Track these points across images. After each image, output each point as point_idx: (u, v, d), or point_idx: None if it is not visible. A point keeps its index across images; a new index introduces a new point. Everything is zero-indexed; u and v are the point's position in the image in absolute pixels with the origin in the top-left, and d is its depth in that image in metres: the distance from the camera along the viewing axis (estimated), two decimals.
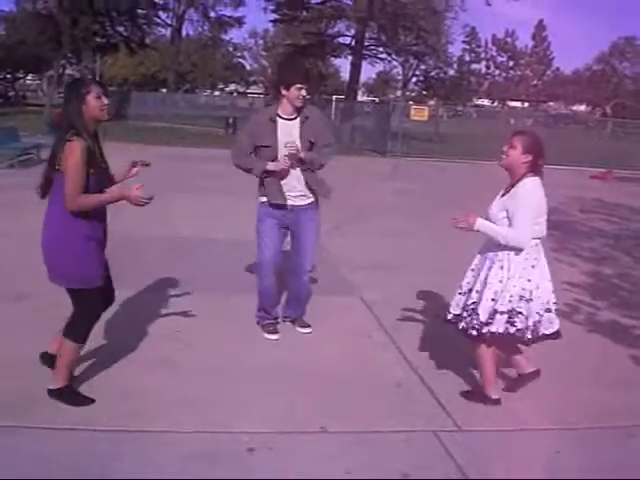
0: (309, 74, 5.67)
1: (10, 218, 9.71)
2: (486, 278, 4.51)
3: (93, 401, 4.35)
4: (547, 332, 4.56)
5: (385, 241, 10.00)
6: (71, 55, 38.93)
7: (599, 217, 13.89)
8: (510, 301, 4.42)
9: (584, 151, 26.14)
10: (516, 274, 4.42)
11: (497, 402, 4.70)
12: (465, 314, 4.62)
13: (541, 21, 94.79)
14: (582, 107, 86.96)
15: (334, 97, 45.84)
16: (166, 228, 9.69)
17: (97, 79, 33.44)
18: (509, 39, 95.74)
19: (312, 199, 5.67)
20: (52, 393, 4.32)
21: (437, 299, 7.00)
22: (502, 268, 4.45)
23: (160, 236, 9.15)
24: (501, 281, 4.44)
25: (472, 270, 4.72)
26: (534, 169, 4.47)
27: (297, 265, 5.80)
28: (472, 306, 4.56)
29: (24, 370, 4.59)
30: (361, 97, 53.74)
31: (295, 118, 5.47)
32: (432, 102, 73.41)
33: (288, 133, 5.43)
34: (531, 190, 4.41)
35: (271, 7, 36.49)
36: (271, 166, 5.40)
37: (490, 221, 4.50)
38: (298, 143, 5.40)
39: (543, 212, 4.47)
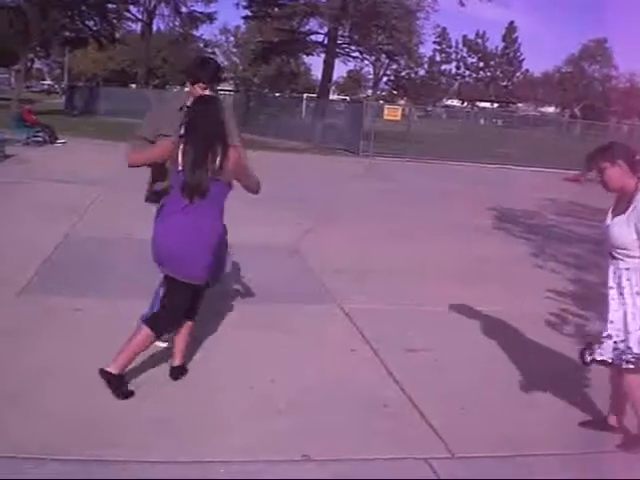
0: (217, 76, 5.22)
1: None
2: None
3: (132, 394, 4.31)
4: None
5: (362, 244, 9.44)
6: (40, 49, 38.15)
7: (579, 221, 13.62)
8: None
9: (555, 153, 25.97)
10: None
11: None
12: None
13: (512, 23, 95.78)
14: (551, 109, 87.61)
15: (305, 95, 45.51)
16: None
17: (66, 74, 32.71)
18: (479, 40, 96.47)
19: None
20: (104, 374, 4.24)
21: (423, 309, 6.66)
22: None
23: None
24: None
25: (613, 300, 4.22)
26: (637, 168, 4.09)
27: None
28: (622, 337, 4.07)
29: None
30: (332, 96, 53.52)
31: None
32: (402, 102, 73.62)
33: None
34: None
35: (243, 3, 36.19)
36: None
37: (613, 244, 4.28)
38: None
39: None
